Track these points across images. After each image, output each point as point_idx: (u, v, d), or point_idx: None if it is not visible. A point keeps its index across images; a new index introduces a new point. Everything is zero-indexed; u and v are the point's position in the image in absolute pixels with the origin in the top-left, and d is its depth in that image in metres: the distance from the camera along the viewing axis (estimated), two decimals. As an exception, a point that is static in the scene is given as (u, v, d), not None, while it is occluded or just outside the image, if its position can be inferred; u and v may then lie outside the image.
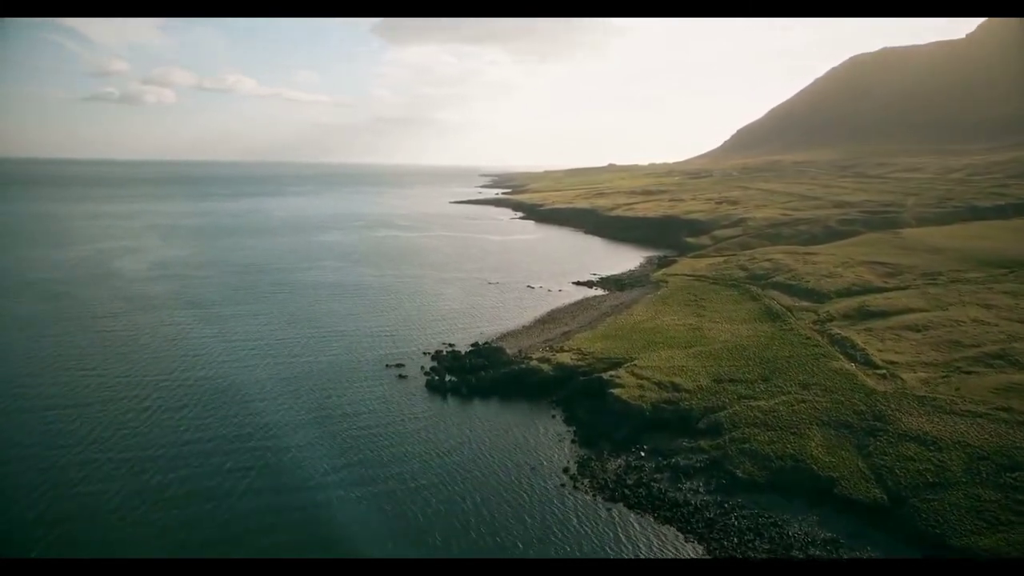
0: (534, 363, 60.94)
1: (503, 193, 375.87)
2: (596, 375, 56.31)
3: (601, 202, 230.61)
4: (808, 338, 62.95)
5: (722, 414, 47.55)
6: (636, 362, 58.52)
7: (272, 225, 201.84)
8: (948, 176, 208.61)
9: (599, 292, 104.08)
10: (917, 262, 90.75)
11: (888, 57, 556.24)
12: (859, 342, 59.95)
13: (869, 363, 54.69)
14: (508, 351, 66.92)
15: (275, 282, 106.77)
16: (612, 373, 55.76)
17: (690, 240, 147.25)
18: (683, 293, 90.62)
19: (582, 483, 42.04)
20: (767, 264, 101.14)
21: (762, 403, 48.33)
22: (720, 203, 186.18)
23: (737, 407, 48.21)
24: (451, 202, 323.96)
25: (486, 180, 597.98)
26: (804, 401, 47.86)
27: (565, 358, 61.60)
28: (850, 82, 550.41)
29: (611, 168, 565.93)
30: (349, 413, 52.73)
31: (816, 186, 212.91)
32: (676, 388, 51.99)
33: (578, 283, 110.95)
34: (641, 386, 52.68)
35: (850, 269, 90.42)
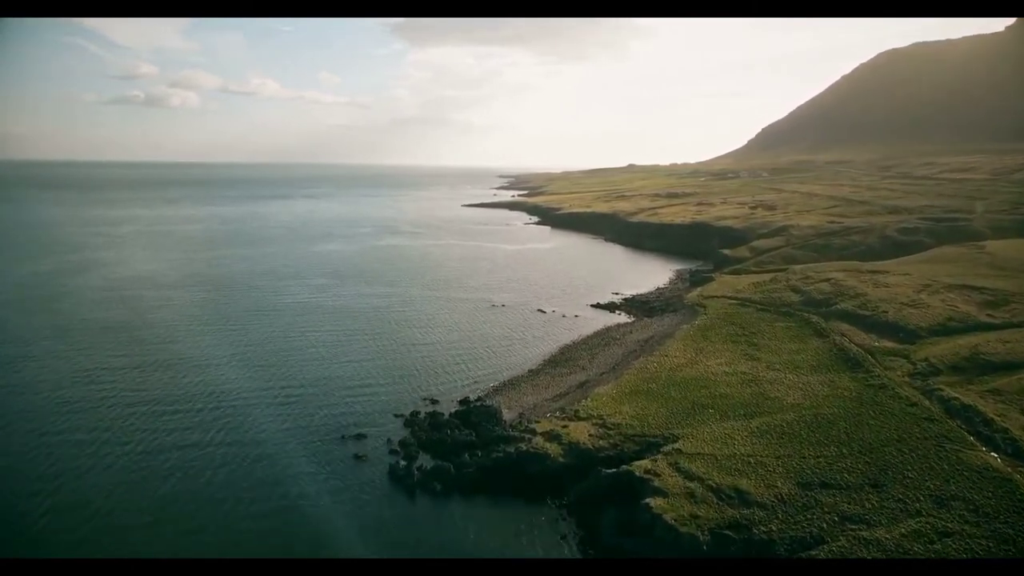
0: (538, 440, 44.71)
1: (519, 195, 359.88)
2: (625, 467, 39.92)
3: (622, 205, 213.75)
4: (913, 404, 45.98)
5: (820, 553, 30.98)
6: (679, 443, 42.11)
7: (270, 233, 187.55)
8: (1009, 177, 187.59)
9: (623, 318, 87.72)
10: (1022, 287, 72.98)
11: (921, 52, 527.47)
12: (991, 414, 42.84)
13: (1021, 454, 37.74)
14: (505, 414, 50.97)
15: (245, 307, 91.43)
16: (647, 466, 39.28)
17: (725, 251, 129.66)
18: (727, 324, 73.93)
19: None
20: (826, 285, 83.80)
21: (881, 534, 31.61)
22: (755, 208, 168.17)
23: (842, 540, 31.52)
24: (465, 205, 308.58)
25: (502, 182, 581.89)
26: (948, 533, 31.08)
27: (581, 433, 45.32)
28: (881, 79, 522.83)
29: (631, 168, 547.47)
30: (258, 531, 36.60)
31: (861, 188, 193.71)
32: (744, 499, 35.37)
33: (597, 306, 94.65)
34: (690, 493, 36.20)
35: (936, 295, 72.90)
